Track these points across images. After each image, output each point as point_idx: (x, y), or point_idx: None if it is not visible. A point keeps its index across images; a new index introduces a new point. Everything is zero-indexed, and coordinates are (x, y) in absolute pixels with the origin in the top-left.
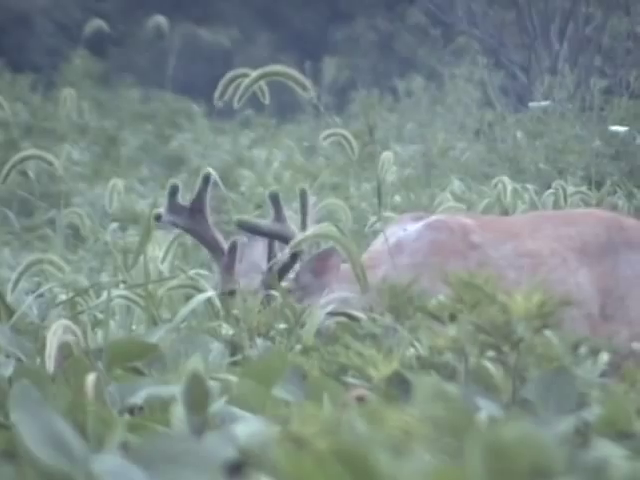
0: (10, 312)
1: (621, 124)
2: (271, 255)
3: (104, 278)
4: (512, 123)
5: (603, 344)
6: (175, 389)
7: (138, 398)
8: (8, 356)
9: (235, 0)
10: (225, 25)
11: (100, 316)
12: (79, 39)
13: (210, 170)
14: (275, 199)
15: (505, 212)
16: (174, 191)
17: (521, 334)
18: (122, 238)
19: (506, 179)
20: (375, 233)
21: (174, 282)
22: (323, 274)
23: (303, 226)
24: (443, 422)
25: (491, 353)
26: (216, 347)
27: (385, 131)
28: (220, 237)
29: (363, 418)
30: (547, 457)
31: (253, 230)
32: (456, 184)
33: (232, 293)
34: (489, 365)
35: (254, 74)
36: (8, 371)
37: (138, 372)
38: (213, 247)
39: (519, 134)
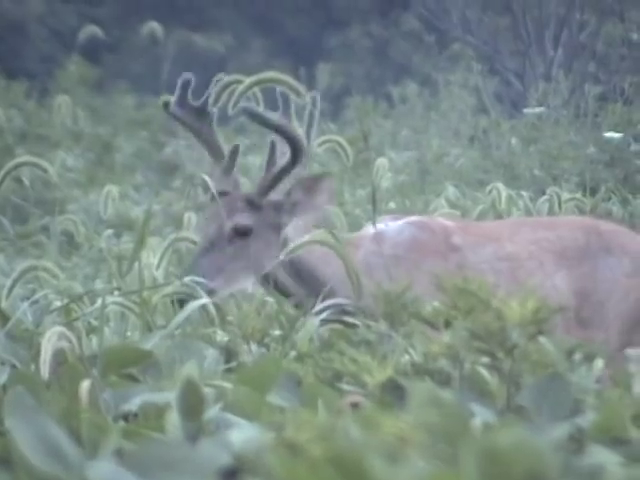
0: (5, 319)
1: (615, 130)
2: (271, 160)
3: (99, 285)
4: (507, 129)
5: (598, 350)
6: (170, 396)
7: (133, 405)
8: (3, 363)
9: (230, 6)
10: (220, 31)
11: (95, 323)
12: (73, 46)
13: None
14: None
15: (499, 219)
16: (186, 85)
17: (516, 340)
18: (117, 245)
19: (500, 185)
20: None
21: (169, 289)
22: (315, 194)
23: (307, 136)
24: (438, 428)
25: (486, 359)
26: (211, 354)
27: (380, 137)
28: (220, 141)
29: (358, 424)
30: (542, 463)
31: (260, 120)
32: (451, 190)
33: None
34: (484, 371)
35: (248, 81)
36: (3, 377)
37: (133, 379)
38: (214, 149)
39: (514, 140)
